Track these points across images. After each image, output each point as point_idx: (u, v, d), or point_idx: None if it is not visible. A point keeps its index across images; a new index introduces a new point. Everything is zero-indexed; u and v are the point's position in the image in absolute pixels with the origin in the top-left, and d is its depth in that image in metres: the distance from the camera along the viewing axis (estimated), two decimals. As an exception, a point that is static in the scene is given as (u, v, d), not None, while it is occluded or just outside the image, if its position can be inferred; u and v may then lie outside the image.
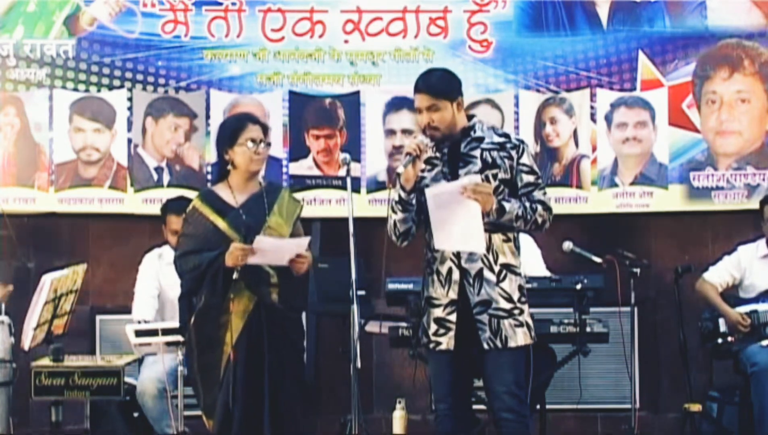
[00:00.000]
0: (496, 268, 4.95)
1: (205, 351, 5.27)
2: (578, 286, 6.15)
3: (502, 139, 5.04)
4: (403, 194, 4.98)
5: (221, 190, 5.37)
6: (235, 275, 5.19)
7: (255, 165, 5.34)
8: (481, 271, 4.94)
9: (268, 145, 5.43)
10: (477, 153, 4.99)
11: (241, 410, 5.19)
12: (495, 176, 4.96)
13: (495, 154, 4.98)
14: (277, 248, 5.21)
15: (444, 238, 4.91)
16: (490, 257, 4.95)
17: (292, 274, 5.28)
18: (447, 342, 4.96)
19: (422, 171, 5.02)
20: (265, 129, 5.45)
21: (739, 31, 7.45)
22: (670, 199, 7.42)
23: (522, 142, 5.07)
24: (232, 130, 5.37)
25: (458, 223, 4.86)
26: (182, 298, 5.39)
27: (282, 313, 5.30)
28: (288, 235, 5.33)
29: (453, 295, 4.96)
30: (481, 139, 5.02)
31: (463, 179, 4.90)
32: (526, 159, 5.01)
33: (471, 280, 4.94)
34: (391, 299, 6.25)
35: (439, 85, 4.99)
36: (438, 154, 5.03)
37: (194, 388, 5.40)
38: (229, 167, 5.36)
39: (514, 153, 4.99)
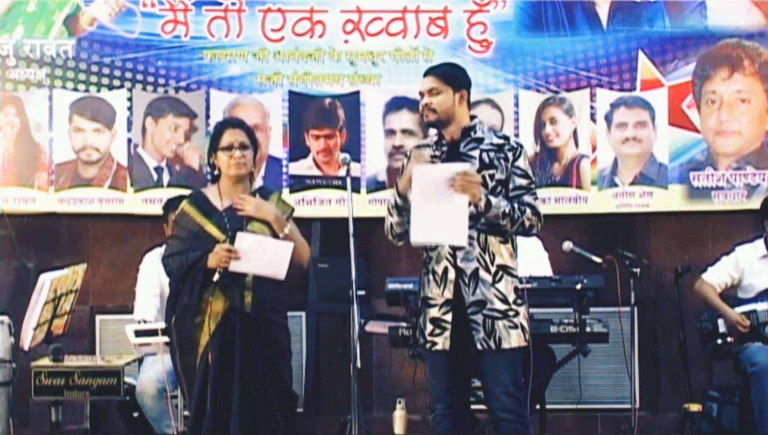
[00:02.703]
0: (492, 269, 4.96)
1: (185, 352, 5.29)
2: (578, 286, 6.15)
3: (501, 141, 5.07)
4: (398, 200, 5.03)
5: (210, 193, 5.41)
6: (215, 277, 5.20)
7: (234, 169, 5.33)
8: (476, 271, 4.95)
9: (250, 147, 5.38)
10: (476, 153, 5.02)
11: (212, 411, 5.19)
12: (492, 177, 4.99)
13: (492, 154, 5.02)
14: (258, 248, 5.19)
15: (423, 228, 4.87)
16: (487, 258, 4.96)
17: (269, 281, 5.29)
18: (443, 342, 4.97)
19: None
20: (249, 132, 5.42)
21: (739, 31, 7.44)
22: (670, 199, 7.42)
23: (520, 145, 5.10)
24: (212, 136, 5.44)
25: (441, 213, 4.85)
26: (170, 298, 5.40)
27: (261, 316, 5.29)
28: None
29: (448, 294, 4.97)
30: (480, 140, 5.05)
31: (453, 165, 4.90)
32: (521, 162, 5.03)
33: (466, 280, 4.95)
34: (391, 299, 6.25)
35: (444, 70, 5.12)
36: (437, 153, 5.05)
37: (180, 388, 5.43)
38: (216, 172, 5.40)
39: (510, 154, 5.02)
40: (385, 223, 5.14)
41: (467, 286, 4.95)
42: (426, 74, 5.11)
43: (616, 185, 7.42)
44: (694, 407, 6.80)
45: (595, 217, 7.43)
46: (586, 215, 7.40)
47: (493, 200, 4.91)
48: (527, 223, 4.99)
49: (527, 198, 5.01)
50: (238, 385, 5.20)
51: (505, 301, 4.96)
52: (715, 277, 6.86)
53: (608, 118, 7.43)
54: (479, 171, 4.97)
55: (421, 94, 5.08)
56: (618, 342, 6.53)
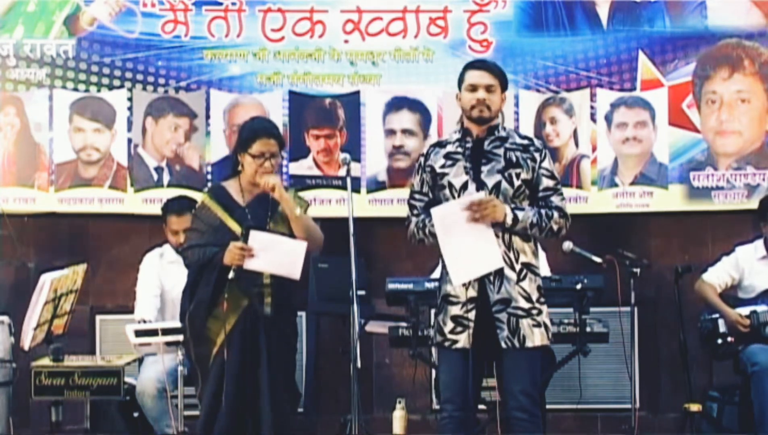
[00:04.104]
0: (517, 267, 4.97)
1: (199, 343, 5.32)
2: (578, 286, 6.15)
3: (525, 142, 5.10)
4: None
5: (231, 187, 5.46)
6: (231, 275, 5.22)
7: (259, 177, 5.36)
8: (501, 269, 4.95)
9: (278, 154, 5.44)
10: (500, 151, 5.03)
11: (230, 405, 5.22)
12: (518, 175, 5.00)
13: (518, 154, 5.03)
14: (272, 246, 5.23)
15: (461, 269, 4.93)
16: (512, 256, 4.97)
17: (286, 282, 5.31)
18: (464, 340, 4.96)
19: (443, 166, 5.06)
20: (279, 139, 5.47)
21: (739, 31, 7.44)
22: (670, 199, 7.42)
23: (545, 146, 5.15)
24: (244, 137, 5.43)
25: (472, 247, 4.89)
26: (185, 289, 5.44)
27: (280, 314, 5.34)
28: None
29: (473, 292, 4.96)
30: (505, 139, 5.07)
31: (466, 198, 4.92)
32: (547, 163, 5.07)
33: (491, 278, 4.94)
34: (391, 299, 6.25)
35: (499, 70, 5.11)
36: (460, 149, 5.05)
37: (194, 378, 5.45)
38: (240, 168, 5.43)
39: (537, 156, 5.05)
40: (409, 228, 5.15)
41: (492, 283, 4.95)
42: (480, 68, 5.07)
43: (616, 185, 7.42)
44: (694, 407, 6.79)
45: (595, 217, 7.43)
46: (586, 215, 7.39)
47: (520, 214, 4.93)
48: (555, 227, 5.03)
49: (555, 199, 5.04)
50: (266, 382, 5.23)
51: (529, 299, 4.97)
52: (715, 277, 6.86)
53: (608, 118, 7.43)
54: (505, 169, 4.99)
55: (473, 87, 5.03)
56: (618, 342, 6.52)
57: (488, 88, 5.02)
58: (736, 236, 7.13)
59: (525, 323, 4.94)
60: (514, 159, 5.01)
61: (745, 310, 6.68)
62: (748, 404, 6.57)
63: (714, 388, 7.10)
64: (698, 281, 6.90)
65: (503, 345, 4.93)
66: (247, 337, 5.29)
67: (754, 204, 7.15)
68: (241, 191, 5.43)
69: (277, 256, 5.25)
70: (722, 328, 6.69)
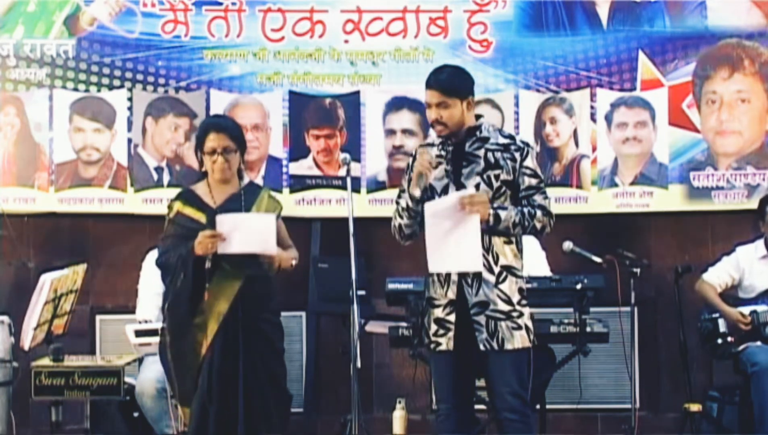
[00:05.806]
0: (496, 270, 4.95)
1: (177, 338, 5.28)
2: (578, 286, 6.15)
3: (507, 141, 5.06)
4: (411, 203, 5.03)
5: (200, 190, 5.41)
6: (208, 264, 5.19)
7: (218, 174, 5.34)
8: (479, 272, 4.94)
9: (235, 150, 5.35)
10: (481, 153, 5.01)
11: (217, 408, 5.21)
12: (497, 177, 4.98)
13: (499, 154, 5.00)
14: (241, 225, 5.19)
15: (439, 258, 4.92)
16: (490, 258, 4.95)
17: (257, 279, 5.32)
18: (446, 343, 4.97)
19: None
20: (234, 134, 5.37)
21: (739, 31, 7.44)
22: (670, 199, 7.42)
23: (527, 144, 5.08)
24: (198, 135, 5.42)
25: (454, 241, 4.88)
26: (164, 293, 5.43)
27: (259, 315, 5.31)
28: None
29: (451, 295, 4.96)
30: (486, 140, 5.04)
31: (459, 192, 4.92)
32: (529, 162, 5.02)
33: (469, 281, 4.94)
34: (391, 299, 6.25)
35: (450, 82, 5.02)
36: (443, 153, 5.04)
37: (168, 376, 5.40)
38: (204, 169, 5.41)
39: (518, 155, 5.01)
40: (392, 223, 5.14)
41: (470, 286, 4.94)
42: (430, 86, 5.01)
43: (616, 185, 7.42)
44: (694, 407, 6.80)
45: (595, 217, 7.43)
46: (586, 215, 7.40)
47: (502, 214, 4.90)
48: (539, 226, 5.00)
49: (538, 198, 5.01)
50: (242, 386, 5.22)
51: (508, 301, 4.96)
52: (716, 277, 6.86)
53: (608, 118, 7.43)
54: (484, 171, 4.97)
55: (428, 105, 5.02)
56: (618, 342, 6.52)
57: (439, 105, 4.97)
58: (736, 236, 7.14)
59: (504, 326, 4.93)
60: (493, 160, 4.99)
61: (745, 310, 6.68)
62: (748, 404, 6.58)
63: (714, 388, 7.10)
64: (698, 281, 6.90)
65: (482, 347, 4.93)
66: (228, 340, 5.26)
67: (754, 204, 7.15)
68: (210, 193, 5.40)
69: (248, 234, 5.20)
70: (722, 328, 6.70)
